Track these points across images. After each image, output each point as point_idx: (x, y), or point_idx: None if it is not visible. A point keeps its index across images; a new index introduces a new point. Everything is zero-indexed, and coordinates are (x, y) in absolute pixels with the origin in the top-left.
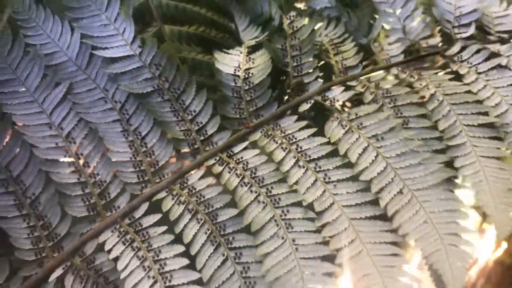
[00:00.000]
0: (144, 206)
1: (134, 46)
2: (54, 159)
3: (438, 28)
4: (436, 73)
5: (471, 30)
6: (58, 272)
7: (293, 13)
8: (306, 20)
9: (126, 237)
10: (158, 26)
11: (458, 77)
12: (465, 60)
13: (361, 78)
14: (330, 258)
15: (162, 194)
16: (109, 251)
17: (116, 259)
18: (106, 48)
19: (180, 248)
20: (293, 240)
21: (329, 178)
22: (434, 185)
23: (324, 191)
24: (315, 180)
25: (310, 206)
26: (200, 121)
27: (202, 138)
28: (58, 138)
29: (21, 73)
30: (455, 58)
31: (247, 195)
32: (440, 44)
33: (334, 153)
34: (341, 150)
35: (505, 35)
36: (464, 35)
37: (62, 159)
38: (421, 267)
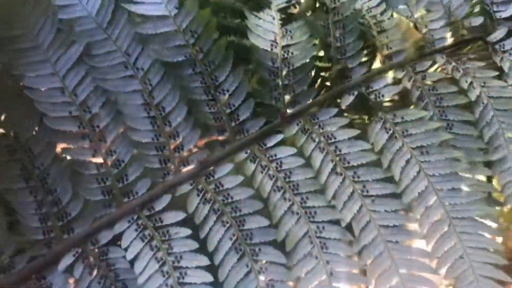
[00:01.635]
0: (166, 198)
1: (171, 6)
2: (66, 130)
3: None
4: (481, 66)
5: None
6: (69, 259)
7: None
8: None
9: (144, 233)
10: None
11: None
12: (507, 51)
13: (407, 67)
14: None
15: (186, 187)
16: (126, 249)
17: (132, 256)
18: (138, 2)
19: (204, 261)
20: (328, 263)
21: (367, 192)
22: (473, 216)
23: (361, 207)
24: (352, 192)
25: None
26: (232, 103)
27: (233, 123)
28: (71, 105)
29: (32, 27)
30: (497, 47)
31: (281, 203)
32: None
33: (374, 162)
34: (384, 161)
35: None
36: (503, 15)
37: (75, 130)
38: None
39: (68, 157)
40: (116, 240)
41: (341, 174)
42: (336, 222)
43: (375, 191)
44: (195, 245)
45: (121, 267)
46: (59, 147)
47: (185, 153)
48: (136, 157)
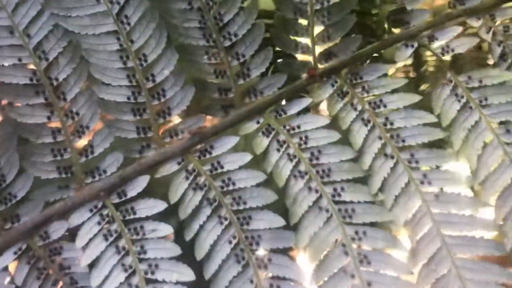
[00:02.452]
0: (143, 181)
1: None
2: (13, 82)
3: None
4: None
5: None
6: (8, 258)
7: None
8: None
9: (110, 228)
10: None
11: None
12: None
13: (485, 14)
14: None
15: (172, 166)
16: (85, 247)
17: (90, 260)
18: None
19: (188, 275)
20: (369, 285)
21: (429, 183)
22: None
23: (420, 206)
24: (408, 183)
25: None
26: (241, 53)
27: (241, 81)
28: (22, 50)
29: None
30: None
31: (304, 194)
32: None
33: (440, 141)
34: (455, 140)
35: None
36: None
37: (25, 83)
38: None
39: (16, 119)
40: (74, 234)
41: (392, 157)
42: (383, 226)
43: (440, 183)
44: (176, 250)
45: (78, 272)
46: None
47: (172, 120)
48: (105, 122)
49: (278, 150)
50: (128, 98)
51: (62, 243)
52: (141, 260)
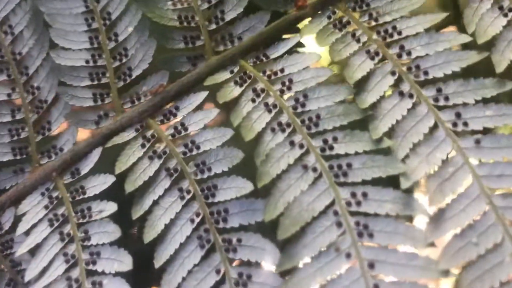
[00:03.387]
0: (95, 154)
1: None
2: None
3: None
4: None
5: None
6: None
7: None
8: None
9: (57, 212)
10: None
11: None
12: None
13: None
14: None
15: (129, 133)
16: (28, 233)
17: (31, 247)
18: None
19: (127, 263)
20: (371, 267)
21: (465, 124)
22: None
23: (454, 156)
24: (435, 126)
25: None
26: None
27: (213, 25)
28: None
29: None
30: None
31: (282, 150)
32: None
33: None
34: (500, 62)
35: None
36: None
37: None
38: None
39: None
40: None
41: (410, 96)
42: (390, 185)
43: (481, 123)
44: (117, 233)
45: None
46: None
47: (132, 81)
48: (60, 91)
49: (254, 100)
50: (87, 62)
51: (13, 235)
52: (84, 248)
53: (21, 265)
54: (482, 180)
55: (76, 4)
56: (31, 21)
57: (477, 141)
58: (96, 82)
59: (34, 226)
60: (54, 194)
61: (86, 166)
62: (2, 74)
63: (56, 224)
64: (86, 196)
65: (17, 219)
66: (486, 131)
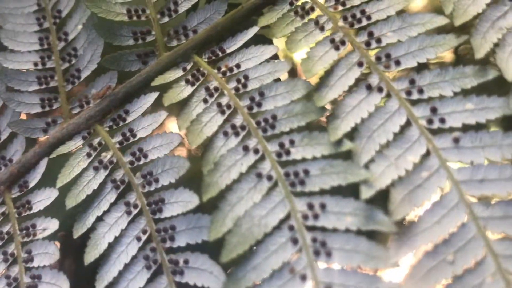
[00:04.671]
0: (42, 165)
1: None
2: None
3: None
4: None
5: None
6: None
7: None
8: None
9: (2, 230)
10: None
11: None
12: None
13: None
14: None
15: (76, 141)
16: None
17: None
18: None
19: (65, 285)
20: None
21: (442, 120)
22: None
23: (428, 157)
24: (407, 124)
25: None
26: None
27: (166, 19)
28: None
29: None
30: None
31: (234, 157)
32: None
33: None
34: (480, 45)
35: None
36: None
37: None
38: None
39: None
40: None
41: (379, 90)
42: (351, 194)
43: (460, 119)
44: (56, 255)
45: None
46: None
47: (80, 84)
48: (4, 97)
49: (206, 100)
50: (36, 65)
51: None
52: (26, 270)
53: None
54: (461, 185)
55: (29, 2)
56: None
57: (456, 140)
58: (44, 86)
59: None
60: (1, 210)
61: (33, 179)
62: None
63: (0, 243)
64: (32, 211)
65: None
66: (466, 128)
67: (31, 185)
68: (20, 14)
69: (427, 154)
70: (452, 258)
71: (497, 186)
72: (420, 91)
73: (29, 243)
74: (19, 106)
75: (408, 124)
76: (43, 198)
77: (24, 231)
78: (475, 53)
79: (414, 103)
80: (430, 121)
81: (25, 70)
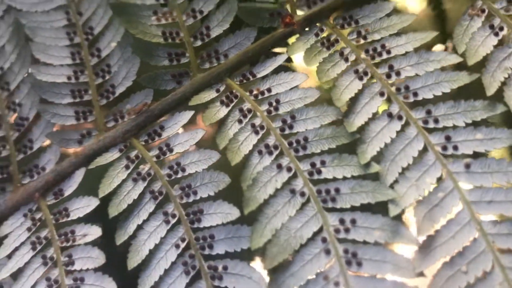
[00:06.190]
0: (79, 175)
1: None
2: None
3: None
4: None
5: None
6: None
7: None
8: None
9: (40, 235)
10: None
11: None
12: None
13: None
14: None
15: (112, 154)
16: (10, 256)
17: (13, 271)
18: None
19: (111, 287)
20: None
21: (455, 148)
22: None
23: (443, 180)
24: (424, 150)
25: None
26: (199, 9)
27: (199, 42)
28: None
29: None
30: None
31: (269, 174)
32: None
33: (467, 89)
34: (490, 83)
35: None
36: None
37: None
38: None
39: None
40: None
41: (399, 117)
42: (379, 211)
43: (471, 147)
44: (101, 259)
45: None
46: None
47: (116, 99)
48: (41, 109)
49: (240, 121)
50: (69, 78)
51: None
52: (67, 274)
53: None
54: (472, 206)
55: (58, 17)
56: (13, 35)
57: (467, 166)
58: (78, 100)
59: (16, 249)
60: (37, 216)
61: (69, 187)
62: None
63: (39, 247)
64: (69, 218)
65: None
66: (476, 155)
67: (67, 193)
68: (49, 28)
69: (442, 177)
70: (465, 268)
71: (504, 207)
72: (436, 120)
73: (69, 248)
74: (54, 117)
75: (425, 149)
76: (82, 206)
77: (63, 236)
78: (486, 90)
79: (431, 131)
80: (444, 148)
81: (59, 82)
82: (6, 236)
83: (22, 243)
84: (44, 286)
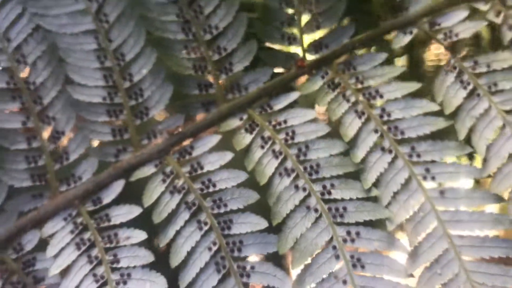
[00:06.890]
0: (118, 186)
1: None
2: None
3: None
4: None
5: None
6: None
7: None
8: None
9: (82, 237)
10: None
11: None
12: None
13: None
14: None
15: (149, 168)
16: (56, 256)
17: (60, 269)
18: None
19: (161, 284)
20: None
21: (433, 178)
22: None
23: (423, 203)
24: (409, 179)
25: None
26: (223, 46)
27: (223, 75)
28: (1, 54)
29: None
30: None
31: (290, 193)
32: None
33: (443, 132)
34: (461, 128)
35: None
36: None
37: (1, 87)
38: None
39: None
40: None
41: (390, 151)
42: (378, 225)
43: (445, 177)
44: (149, 257)
45: (52, 283)
46: None
47: (149, 120)
48: (80, 126)
49: (262, 147)
50: (104, 99)
51: (36, 254)
52: (113, 270)
53: (44, 281)
54: (445, 224)
55: (87, 40)
56: (45, 53)
57: (442, 192)
58: (114, 119)
59: (62, 249)
60: (78, 220)
61: (107, 196)
62: (15, 102)
63: (83, 248)
64: (111, 223)
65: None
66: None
67: (105, 201)
68: (79, 50)
69: (423, 200)
70: (440, 271)
71: (468, 225)
72: (418, 155)
73: (114, 248)
74: (92, 133)
75: (410, 178)
76: (124, 213)
77: (106, 238)
78: (458, 135)
79: (414, 163)
80: (424, 178)
81: (95, 102)
82: (51, 237)
83: (67, 244)
84: (91, 281)
